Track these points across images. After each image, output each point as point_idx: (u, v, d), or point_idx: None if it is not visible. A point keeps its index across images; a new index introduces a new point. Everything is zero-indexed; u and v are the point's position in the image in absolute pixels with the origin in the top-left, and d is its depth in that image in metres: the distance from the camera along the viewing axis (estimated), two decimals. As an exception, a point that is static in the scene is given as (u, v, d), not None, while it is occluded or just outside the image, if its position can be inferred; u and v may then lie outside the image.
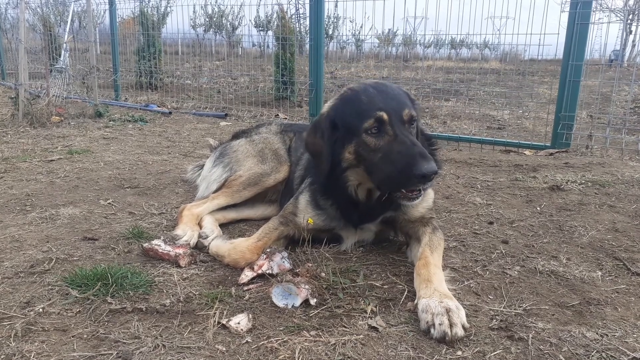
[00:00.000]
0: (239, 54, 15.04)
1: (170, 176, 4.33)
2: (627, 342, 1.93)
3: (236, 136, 3.82)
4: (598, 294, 2.31)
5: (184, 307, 2.14)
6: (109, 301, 2.14)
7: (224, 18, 19.47)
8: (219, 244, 2.69)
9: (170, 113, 8.32)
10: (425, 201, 2.75)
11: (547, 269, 2.57)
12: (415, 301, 2.15)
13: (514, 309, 2.16)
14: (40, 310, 2.07)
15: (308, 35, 7.71)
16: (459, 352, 1.85)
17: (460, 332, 1.91)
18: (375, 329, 2.00)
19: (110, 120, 7.27)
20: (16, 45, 7.09)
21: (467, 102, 9.66)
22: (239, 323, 1.98)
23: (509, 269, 2.59)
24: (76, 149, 5.27)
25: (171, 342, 1.87)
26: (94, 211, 3.37)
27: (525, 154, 5.78)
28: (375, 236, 2.88)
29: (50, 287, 2.28)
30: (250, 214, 3.36)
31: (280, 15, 9.35)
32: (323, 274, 2.37)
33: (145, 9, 10.58)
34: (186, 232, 2.84)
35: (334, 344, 1.88)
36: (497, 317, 2.10)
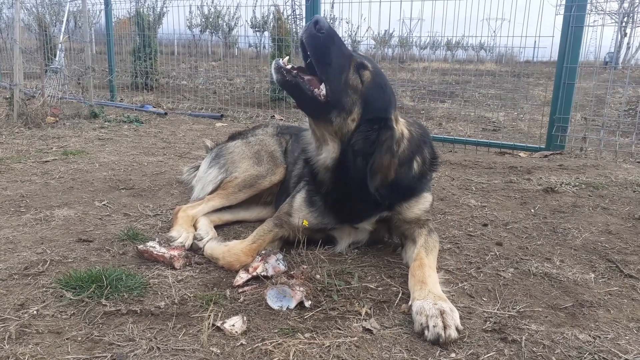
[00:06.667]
0: (235, 55, 15.02)
1: (166, 177, 4.32)
2: (619, 344, 1.94)
3: (232, 137, 3.82)
4: (591, 296, 2.33)
5: (178, 309, 2.14)
6: (103, 303, 2.14)
7: (220, 18, 19.46)
8: (214, 246, 2.69)
9: (165, 114, 8.31)
10: (422, 203, 2.75)
11: (540, 271, 2.59)
12: (410, 303, 2.16)
13: (508, 311, 2.18)
14: (35, 312, 2.07)
15: (304, 37, 7.69)
16: (453, 354, 1.86)
17: (454, 334, 1.92)
18: (369, 331, 2.01)
19: (105, 121, 7.25)
20: (11, 45, 7.05)
21: (463, 104, 9.69)
22: (233, 325, 1.98)
23: (503, 271, 2.60)
24: (71, 150, 5.25)
25: (166, 345, 1.87)
26: (89, 212, 3.36)
27: (520, 156, 5.80)
28: (370, 236, 2.89)
29: (44, 289, 2.27)
30: (246, 216, 3.36)
31: (277, 16, 9.35)
32: (318, 276, 2.38)
33: (141, 9, 10.56)
34: (181, 234, 2.83)
35: (329, 346, 1.89)
36: (490, 319, 2.11)
